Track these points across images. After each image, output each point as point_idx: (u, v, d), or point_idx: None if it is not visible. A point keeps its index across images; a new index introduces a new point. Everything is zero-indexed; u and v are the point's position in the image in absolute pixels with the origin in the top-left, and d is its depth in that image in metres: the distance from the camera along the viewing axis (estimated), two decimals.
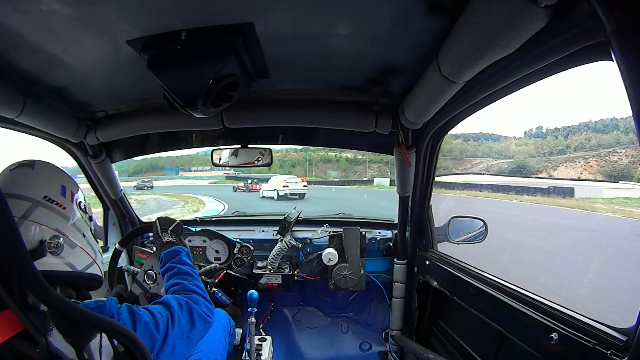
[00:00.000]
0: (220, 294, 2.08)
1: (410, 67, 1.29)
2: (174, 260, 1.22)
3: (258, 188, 28.12)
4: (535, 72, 0.99)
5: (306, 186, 24.48)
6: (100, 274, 1.02)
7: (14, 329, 0.72)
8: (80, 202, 0.99)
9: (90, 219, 1.03)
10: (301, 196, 23.20)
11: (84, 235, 0.97)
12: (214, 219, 2.88)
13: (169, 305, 1.01)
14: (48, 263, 0.85)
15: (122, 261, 2.17)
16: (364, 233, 2.34)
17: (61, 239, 0.89)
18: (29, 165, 0.94)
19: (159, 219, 1.44)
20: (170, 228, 1.39)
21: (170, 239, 1.35)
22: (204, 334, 1.08)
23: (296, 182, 24.47)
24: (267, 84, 1.46)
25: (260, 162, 2.07)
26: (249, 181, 30.87)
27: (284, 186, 24.15)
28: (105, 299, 0.91)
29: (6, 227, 0.69)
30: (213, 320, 1.10)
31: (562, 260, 8.64)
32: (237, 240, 2.43)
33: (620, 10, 0.59)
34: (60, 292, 0.89)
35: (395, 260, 2.28)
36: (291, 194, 22.92)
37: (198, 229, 2.48)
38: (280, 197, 22.72)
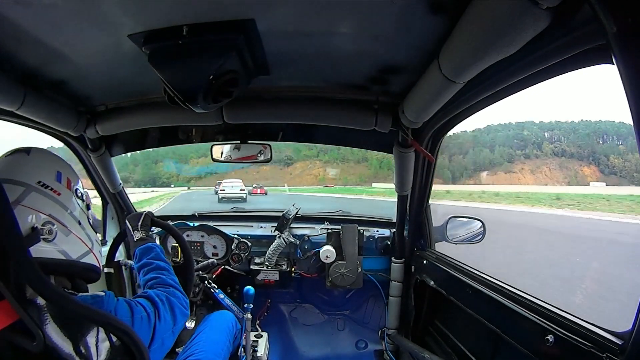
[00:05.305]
0: (222, 295, 2.07)
1: (411, 66, 1.28)
2: (150, 257, 1.23)
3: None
4: (535, 74, 0.99)
5: (243, 190, 24.67)
6: (97, 265, 1.00)
7: (8, 319, 0.72)
8: (77, 190, 0.97)
9: (88, 207, 1.02)
10: (243, 199, 23.29)
11: (79, 223, 0.95)
12: (212, 214, 2.88)
13: (153, 300, 1.01)
14: (39, 250, 0.83)
15: (120, 255, 2.18)
16: (362, 231, 2.35)
17: (54, 226, 0.86)
18: (25, 151, 0.93)
19: (127, 218, 1.44)
20: (140, 223, 1.39)
21: (140, 235, 1.36)
22: (182, 327, 1.10)
23: (232, 187, 24.62)
24: (267, 81, 1.46)
25: (260, 158, 2.07)
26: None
27: (221, 190, 24.41)
28: (103, 293, 0.90)
29: (3, 214, 0.69)
30: (188, 313, 1.12)
31: None
32: (235, 236, 2.43)
33: (622, 13, 0.59)
34: (55, 282, 0.87)
35: (392, 259, 2.28)
36: (229, 198, 22.78)
37: (196, 224, 2.49)
38: (222, 200, 22.39)
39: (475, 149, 74.88)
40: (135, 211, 2.54)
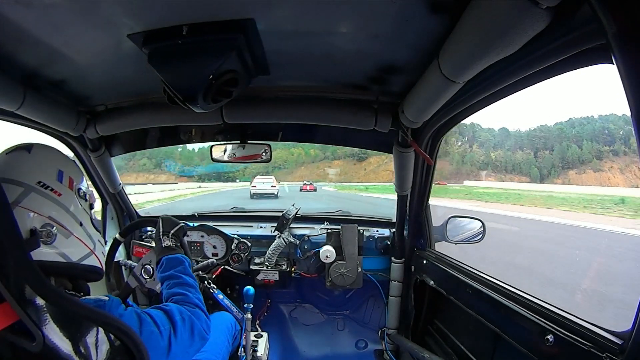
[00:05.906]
0: (221, 296, 2.07)
1: (411, 66, 1.28)
2: (178, 270, 1.18)
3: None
4: (535, 74, 0.99)
5: (274, 186, 25.58)
6: (99, 266, 0.98)
7: (8, 320, 0.72)
8: (79, 189, 0.95)
9: (91, 207, 0.99)
10: (275, 195, 24.36)
11: (81, 224, 0.92)
12: (212, 214, 2.88)
13: (172, 316, 0.98)
14: (39, 253, 0.81)
15: (120, 255, 2.18)
16: (361, 231, 2.35)
17: (54, 228, 0.85)
18: (26, 149, 0.90)
19: (162, 219, 1.38)
20: (172, 231, 1.34)
21: (170, 243, 1.30)
22: (199, 349, 1.06)
23: (263, 183, 25.67)
24: (267, 81, 1.46)
25: (263, 157, 2.07)
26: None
27: (252, 186, 25.53)
28: (107, 298, 0.88)
29: (2, 215, 0.69)
30: (209, 337, 1.07)
31: None
32: (235, 236, 2.43)
33: (621, 14, 0.59)
34: (55, 282, 0.87)
35: (392, 258, 2.28)
36: (260, 194, 24.02)
37: (196, 224, 2.49)
38: (253, 196, 23.82)
39: (563, 143, 68.30)
40: (136, 212, 2.54)
